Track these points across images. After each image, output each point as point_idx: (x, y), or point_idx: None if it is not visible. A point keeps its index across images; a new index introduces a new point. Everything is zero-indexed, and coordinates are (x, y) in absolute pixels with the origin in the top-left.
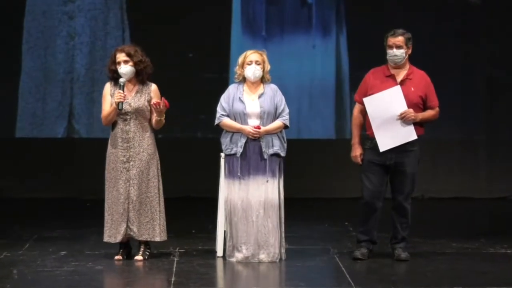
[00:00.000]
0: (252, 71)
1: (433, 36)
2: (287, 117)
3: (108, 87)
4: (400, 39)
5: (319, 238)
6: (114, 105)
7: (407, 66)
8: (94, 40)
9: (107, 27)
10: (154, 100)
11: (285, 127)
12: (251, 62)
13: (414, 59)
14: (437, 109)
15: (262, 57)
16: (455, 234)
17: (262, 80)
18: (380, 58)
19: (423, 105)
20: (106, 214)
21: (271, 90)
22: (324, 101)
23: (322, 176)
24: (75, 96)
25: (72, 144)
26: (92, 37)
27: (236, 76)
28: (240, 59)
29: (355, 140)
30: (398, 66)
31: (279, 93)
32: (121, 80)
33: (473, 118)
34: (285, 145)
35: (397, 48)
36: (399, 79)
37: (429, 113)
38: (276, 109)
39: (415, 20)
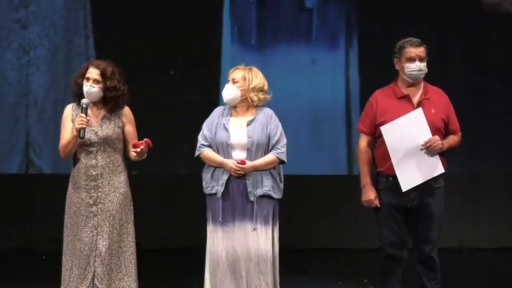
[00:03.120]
0: (224, 92)
1: (472, 46)
2: (283, 149)
3: (69, 109)
4: (422, 50)
5: None
6: (74, 132)
7: (421, 83)
8: (54, 53)
9: (67, 34)
10: (134, 142)
11: (281, 162)
12: (228, 81)
13: (445, 80)
14: (459, 133)
15: (243, 73)
16: None
17: (255, 103)
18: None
19: (445, 130)
20: (63, 269)
21: (265, 116)
22: (332, 127)
23: (333, 221)
24: (33, 125)
25: (28, 182)
26: (52, 50)
27: None
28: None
29: (366, 180)
30: (413, 84)
31: (274, 119)
32: (84, 101)
33: None
34: (282, 185)
35: (421, 61)
36: (415, 100)
37: (453, 140)
38: (269, 139)
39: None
